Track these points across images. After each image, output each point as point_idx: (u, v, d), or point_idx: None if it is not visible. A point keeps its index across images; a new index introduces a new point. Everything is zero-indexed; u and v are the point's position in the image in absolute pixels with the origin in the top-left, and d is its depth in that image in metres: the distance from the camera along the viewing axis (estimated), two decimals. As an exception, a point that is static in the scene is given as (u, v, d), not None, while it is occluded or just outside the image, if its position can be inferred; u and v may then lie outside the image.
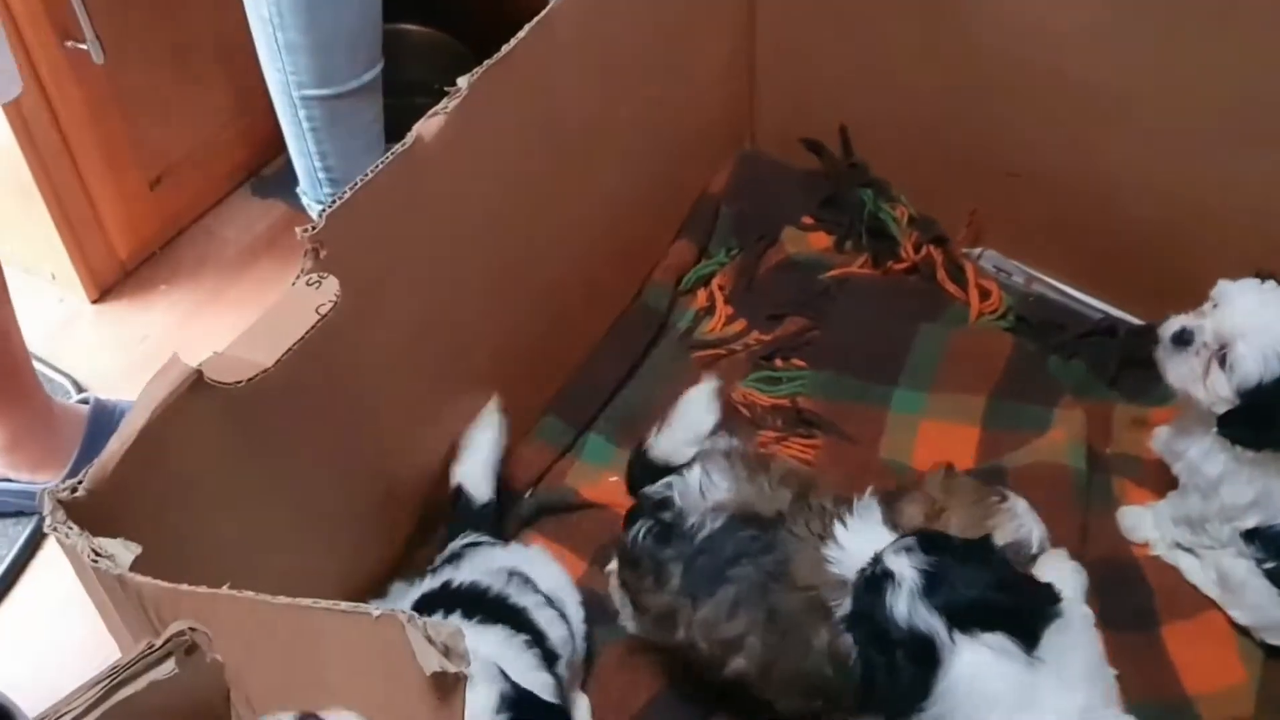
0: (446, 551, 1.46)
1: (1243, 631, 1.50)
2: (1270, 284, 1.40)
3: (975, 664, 1.15)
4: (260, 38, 1.75)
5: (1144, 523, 1.59)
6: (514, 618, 1.31)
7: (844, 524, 1.30)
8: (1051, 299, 1.86)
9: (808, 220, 1.96)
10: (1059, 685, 1.16)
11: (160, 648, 0.80)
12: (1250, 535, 1.46)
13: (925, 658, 1.15)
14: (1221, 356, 1.38)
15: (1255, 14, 1.49)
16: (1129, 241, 1.74)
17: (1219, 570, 1.51)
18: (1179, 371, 1.43)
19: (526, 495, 1.68)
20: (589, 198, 1.68)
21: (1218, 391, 1.38)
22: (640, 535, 1.38)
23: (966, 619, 1.15)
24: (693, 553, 1.33)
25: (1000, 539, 1.32)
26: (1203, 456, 1.47)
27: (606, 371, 1.81)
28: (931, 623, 1.15)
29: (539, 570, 1.43)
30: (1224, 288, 1.42)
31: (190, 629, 0.81)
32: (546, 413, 1.76)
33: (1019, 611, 1.17)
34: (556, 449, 1.73)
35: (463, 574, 1.38)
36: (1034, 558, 1.37)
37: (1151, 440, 1.58)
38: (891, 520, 1.32)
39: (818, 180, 1.99)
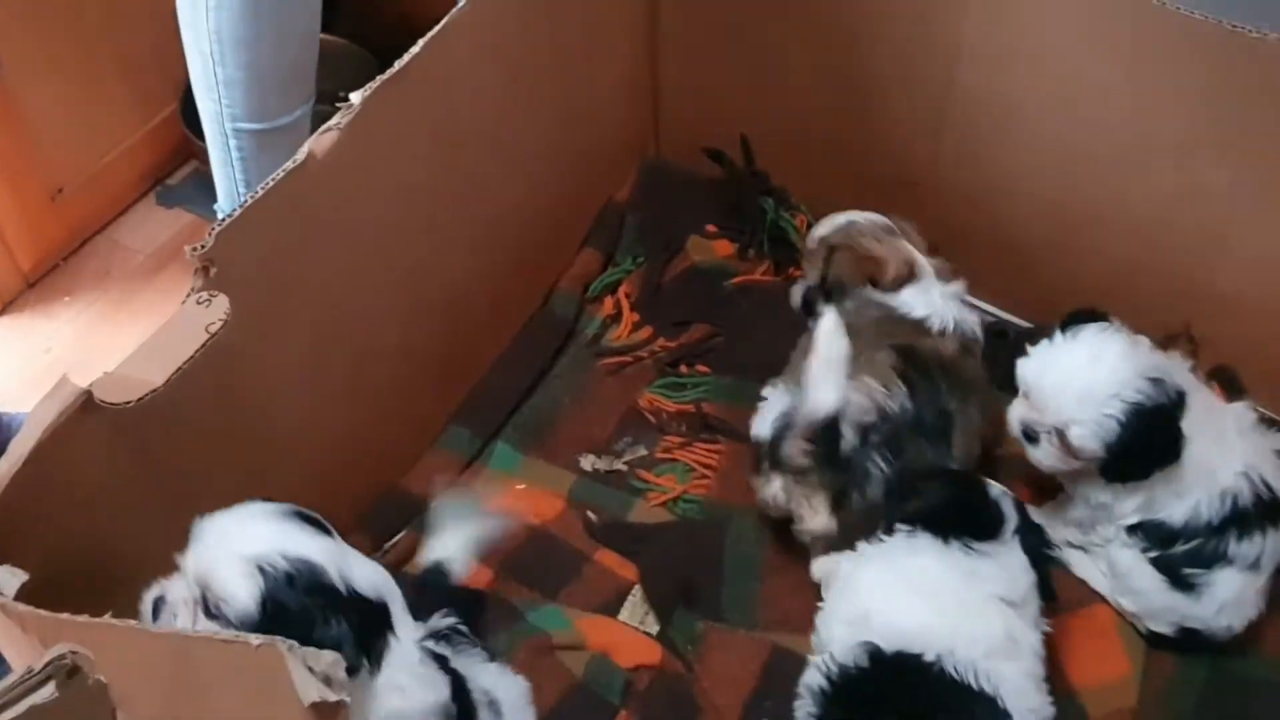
0: (429, 626, 1.35)
1: (1127, 624, 1.55)
2: (1059, 339, 1.46)
3: None
4: (197, 70, 1.75)
5: None
6: None
7: None
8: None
9: (711, 228, 1.99)
10: None
11: (40, 671, 0.79)
12: (1133, 528, 1.52)
13: None
14: (1066, 439, 1.45)
15: (1141, 36, 1.53)
16: (1019, 248, 1.78)
17: (1109, 560, 1.55)
18: (1045, 459, 1.50)
19: (433, 505, 1.69)
20: (491, 208, 1.69)
21: (1086, 457, 1.46)
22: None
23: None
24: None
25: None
26: (1098, 490, 1.52)
27: (513, 379, 1.82)
28: None
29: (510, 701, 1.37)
30: (1027, 371, 1.49)
31: (72, 652, 0.81)
32: (453, 422, 1.77)
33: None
34: (463, 457, 1.74)
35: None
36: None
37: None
38: None
39: (720, 189, 2.01)
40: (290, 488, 1.47)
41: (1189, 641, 1.50)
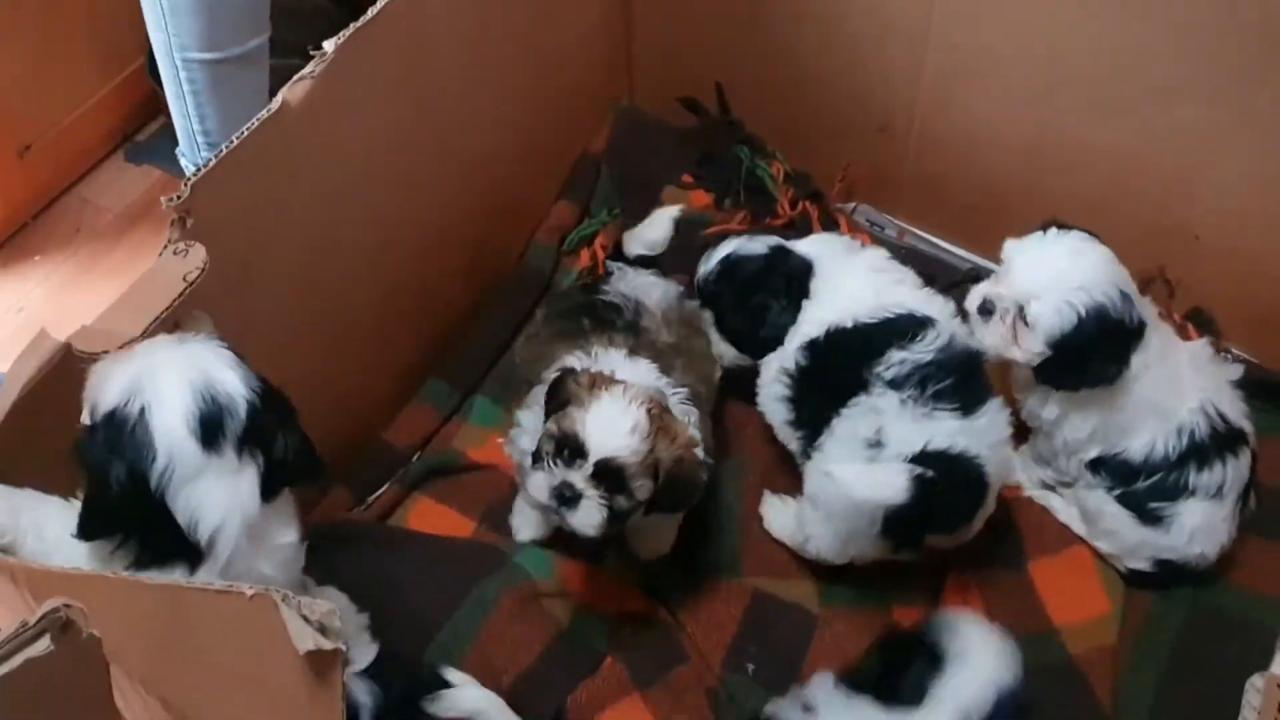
0: None
1: (1107, 565, 1.57)
2: (1052, 233, 1.47)
3: None
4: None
5: (1013, 465, 1.65)
6: None
7: None
8: (922, 250, 1.91)
9: (687, 179, 1.98)
10: None
11: (34, 625, 0.79)
12: (1095, 466, 1.54)
13: None
14: (1024, 316, 1.45)
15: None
16: (993, 194, 1.79)
17: (1079, 503, 1.57)
18: (991, 339, 1.49)
19: (414, 459, 1.69)
20: (466, 158, 1.68)
21: (1029, 348, 1.46)
22: None
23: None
24: None
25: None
26: (1038, 404, 1.54)
27: (490, 333, 1.81)
28: None
29: None
30: (1010, 249, 1.49)
31: (65, 605, 0.81)
32: (431, 375, 1.77)
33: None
34: (443, 412, 1.74)
35: None
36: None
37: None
38: None
39: (696, 138, 2.00)
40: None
41: (1168, 574, 1.52)
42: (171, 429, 1.04)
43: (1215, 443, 1.48)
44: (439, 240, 1.68)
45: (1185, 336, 1.70)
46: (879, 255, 1.60)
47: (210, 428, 1.04)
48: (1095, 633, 1.51)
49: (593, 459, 1.28)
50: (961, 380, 1.45)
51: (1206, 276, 1.69)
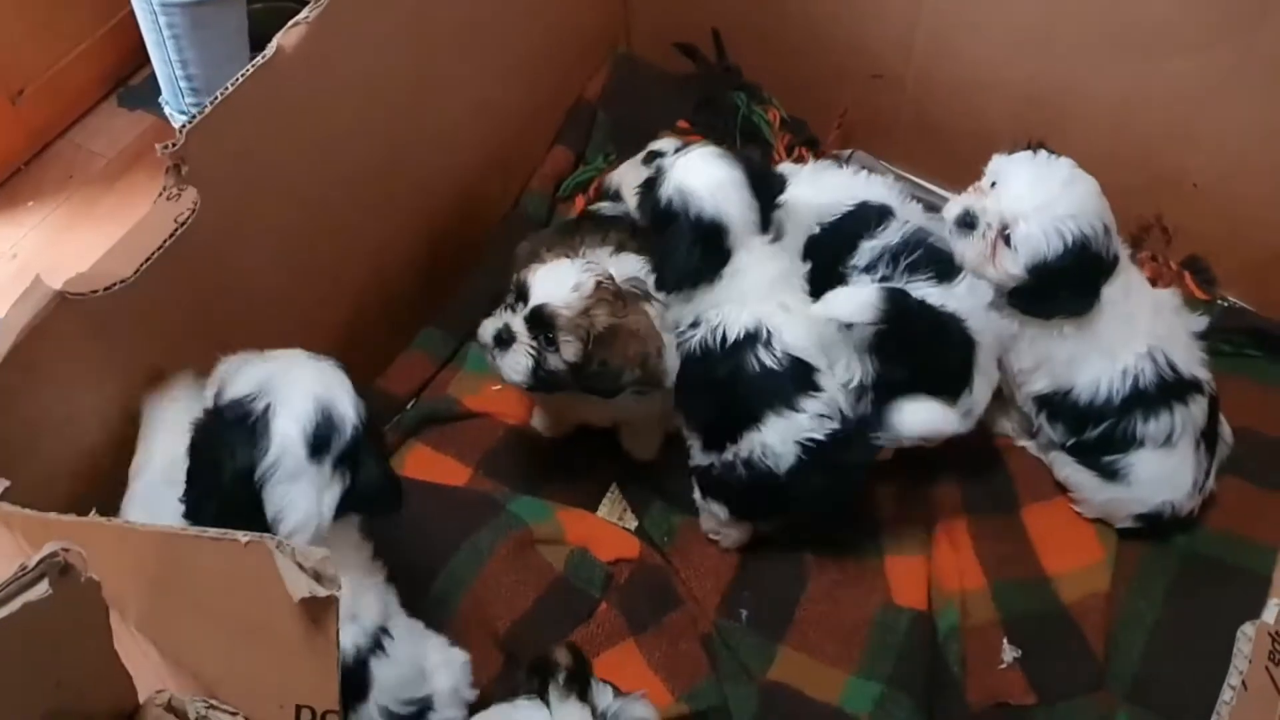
0: None
1: (1100, 514, 1.58)
2: (1043, 155, 1.45)
3: None
4: None
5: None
6: None
7: None
8: (918, 197, 1.90)
9: (683, 124, 1.97)
10: None
11: (33, 569, 0.79)
12: (1046, 409, 1.53)
13: None
14: (1006, 235, 1.42)
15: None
16: (989, 140, 1.76)
17: (1053, 468, 1.58)
18: (968, 254, 1.46)
19: (409, 406, 1.69)
20: (461, 105, 1.67)
21: (1007, 269, 1.44)
22: None
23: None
24: None
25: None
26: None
27: (485, 280, 1.80)
28: None
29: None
30: (999, 165, 1.46)
31: (64, 550, 0.81)
32: (427, 323, 1.76)
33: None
34: (438, 359, 1.74)
35: None
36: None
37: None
38: None
39: (692, 84, 1.99)
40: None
41: (1153, 527, 1.53)
42: (288, 432, 1.14)
43: (1161, 390, 1.47)
44: (434, 187, 1.67)
45: (1181, 285, 1.70)
46: (822, 164, 1.62)
47: (319, 440, 1.15)
48: (1088, 580, 1.52)
49: (531, 304, 1.37)
50: (930, 254, 1.47)
51: (1204, 224, 1.69)
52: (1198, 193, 1.66)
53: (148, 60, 2.22)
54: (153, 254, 1.14)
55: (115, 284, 1.11)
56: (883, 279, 1.45)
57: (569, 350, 1.36)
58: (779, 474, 1.40)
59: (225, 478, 1.13)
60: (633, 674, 1.42)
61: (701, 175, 1.41)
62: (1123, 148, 1.68)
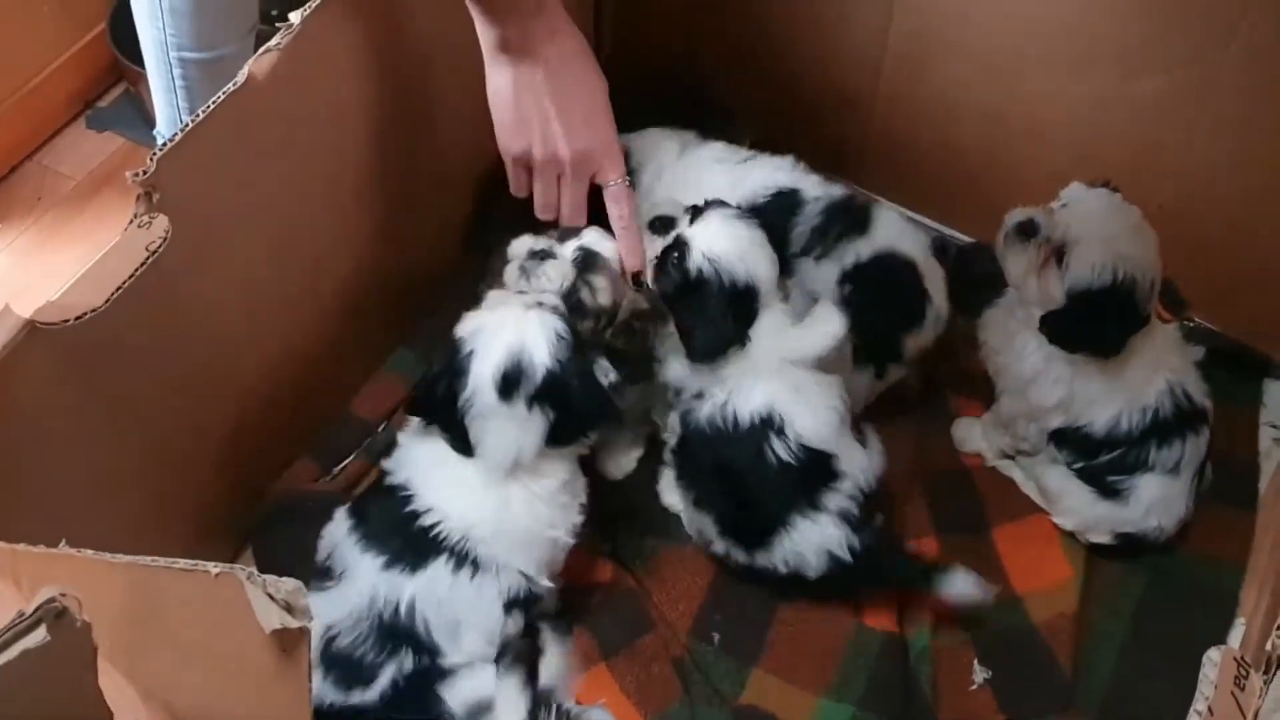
0: None
1: (1067, 531, 1.58)
2: (1117, 197, 1.45)
3: None
4: None
5: (974, 434, 1.66)
6: None
7: None
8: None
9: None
10: None
11: (31, 615, 0.78)
12: (1057, 438, 1.55)
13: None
14: (1059, 255, 1.42)
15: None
16: (959, 161, 1.79)
17: (1037, 480, 1.59)
18: (1017, 261, 1.46)
19: (380, 429, 1.69)
20: (438, 128, 1.66)
21: (1050, 288, 1.43)
22: None
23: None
24: None
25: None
26: (1017, 357, 1.53)
27: (458, 301, 1.79)
28: None
29: None
30: (1075, 190, 1.47)
31: (61, 595, 0.80)
32: (398, 345, 1.76)
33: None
34: (410, 381, 1.74)
35: None
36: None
37: (978, 331, 1.62)
38: None
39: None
40: (240, 408, 1.48)
41: (1128, 546, 1.54)
42: (481, 375, 1.32)
43: (1178, 420, 1.48)
44: (409, 212, 1.67)
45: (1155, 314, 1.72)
46: (717, 146, 1.67)
47: (509, 383, 1.31)
48: (1057, 599, 1.53)
49: (582, 242, 1.46)
50: (849, 214, 1.57)
51: (1170, 246, 1.69)
52: (1163, 214, 1.67)
53: (117, 82, 2.22)
54: (124, 282, 1.13)
55: (86, 313, 1.11)
56: (820, 257, 1.56)
57: (604, 295, 1.44)
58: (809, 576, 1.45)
59: (439, 399, 1.34)
60: (605, 698, 1.42)
61: (729, 240, 1.42)
62: (1090, 169, 1.68)
